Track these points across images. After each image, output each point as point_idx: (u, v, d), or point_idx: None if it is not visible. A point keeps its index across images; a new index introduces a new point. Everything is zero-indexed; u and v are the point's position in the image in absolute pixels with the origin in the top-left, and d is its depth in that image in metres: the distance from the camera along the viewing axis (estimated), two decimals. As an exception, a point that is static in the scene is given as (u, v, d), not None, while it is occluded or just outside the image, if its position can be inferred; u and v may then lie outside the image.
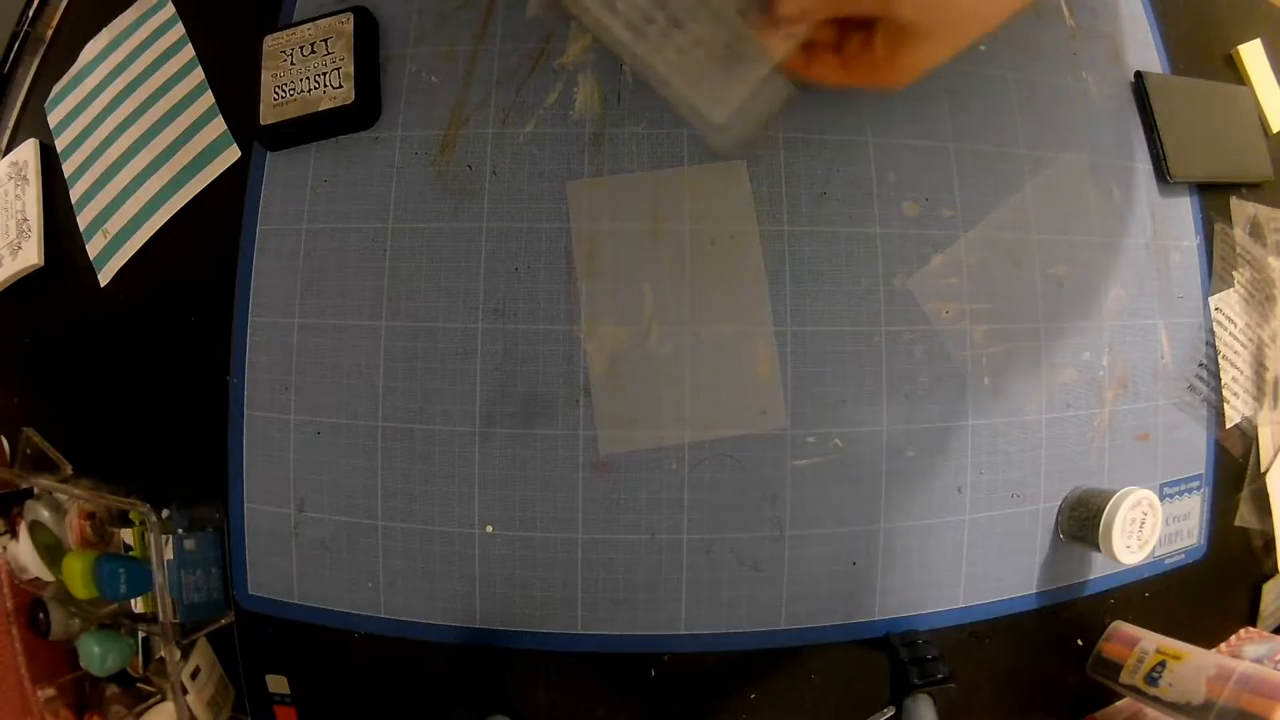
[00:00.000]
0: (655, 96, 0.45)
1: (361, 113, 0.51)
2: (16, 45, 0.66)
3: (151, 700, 0.58)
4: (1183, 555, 0.58)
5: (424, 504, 0.50)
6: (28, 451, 0.59)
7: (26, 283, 0.61)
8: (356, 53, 0.52)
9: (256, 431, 0.52)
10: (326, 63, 0.52)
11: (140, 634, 0.57)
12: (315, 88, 0.52)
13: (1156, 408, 0.56)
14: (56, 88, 0.63)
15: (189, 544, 0.52)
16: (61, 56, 0.64)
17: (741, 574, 0.50)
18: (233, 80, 0.56)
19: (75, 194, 0.60)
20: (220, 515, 0.53)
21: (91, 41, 0.62)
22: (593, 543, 0.49)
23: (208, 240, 0.55)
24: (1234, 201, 0.61)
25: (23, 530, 0.57)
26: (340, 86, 0.51)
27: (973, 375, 0.52)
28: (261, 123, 0.52)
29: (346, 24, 0.52)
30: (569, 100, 0.52)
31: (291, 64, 0.52)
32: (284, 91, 0.52)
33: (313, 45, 0.52)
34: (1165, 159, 0.57)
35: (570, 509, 0.49)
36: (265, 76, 0.53)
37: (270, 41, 0.53)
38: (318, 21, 0.53)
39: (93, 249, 0.58)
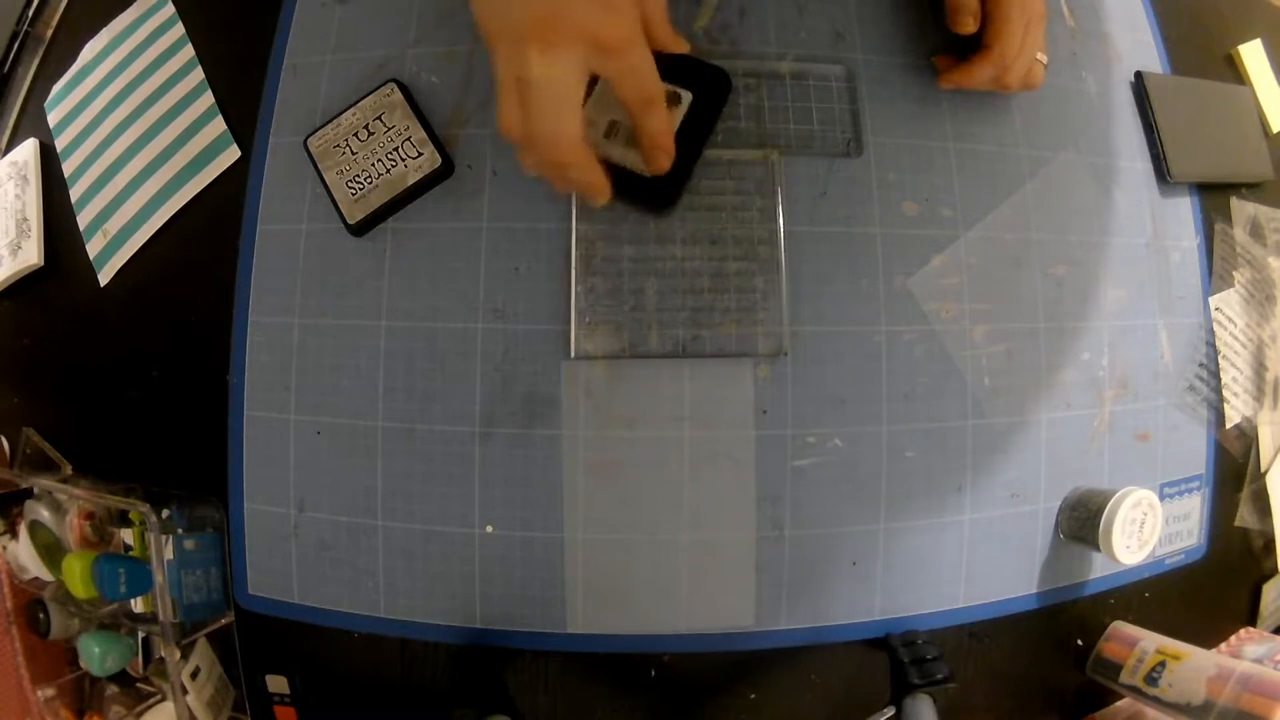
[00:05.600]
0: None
1: (447, 169, 0.51)
2: (16, 45, 0.66)
3: (151, 700, 0.58)
4: (1183, 555, 0.58)
5: (424, 504, 0.50)
6: (28, 451, 0.59)
7: (26, 283, 0.62)
8: (418, 116, 0.51)
9: (256, 431, 0.52)
10: (393, 137, 0.51)
11: (140, 634, 0.57)
12: (395, 165, 0.51)
13: (1156, 408, 0.56)
14: (56, 88, 0.63)
15: (189, 544, 0.52)
16: (61, 56, 0.64)
17: (741, 574, 0.50)
18: (233, 80, 0.56)
19: (75, 194, 0.60)
20: (220, 515, 0.53)
21: (91, 41, 0.62)
22: (593, 543, 0.49)
23: (208, 240, 0.55)
24: (1234, 201, 0.61)
25: (23, 530, 0.57)
26: (421, 154, 0.50)
27: (973, 375, 0.52)
28: (350, 222, 0.51)
29: (393, 94, 0.52)
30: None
31: (353, 154, 0.51)
32: (360, 182, 0.51)
33: (367, 127, 0.51)
34: (1165, 159, 0.57)
35: (570, 509, 0.49)
36: (331, 177, 0.51)
37: (316, 141, 0.52)
38: (358, 104, 0.52)
39: (93, 249, 0.58)
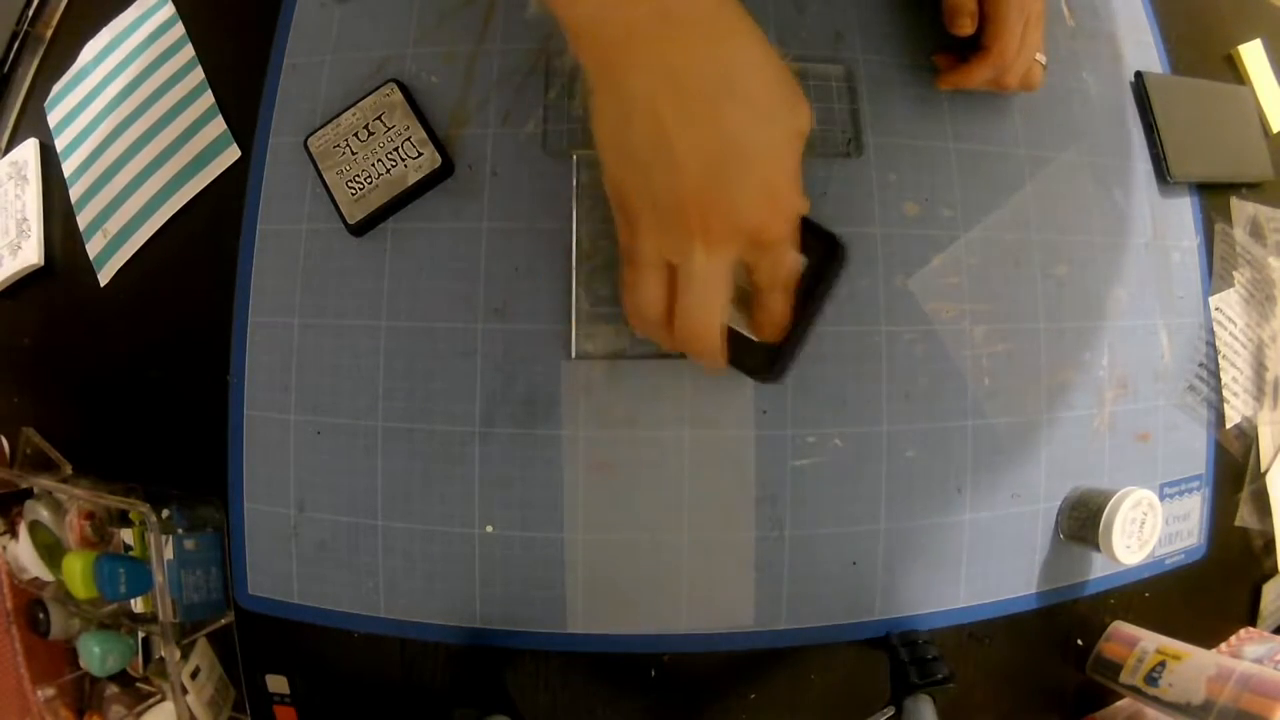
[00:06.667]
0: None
1: (447, 169, 0.51)
2: (16, 45, 0.66)
3: (151, 700, 0.58)
4: (1183, 555, 0.58)
5: (424, 504, 0.50)
6: (28, 451, 0.59)
7: (26, 283, 0.62)
8: (419, 116, 0.51)
9: (256, 431, 0.52)
10: (393, 137, 0.51)
11: (140, 634, 0.57)
12: (395, 165, 0.51)
13: (1156, 408, 0.56)
14: (56, 87, 0.63)
15: (189, 544, 0.52)
16: (61, 56, 0.64)
17: (741, 574, 0.50)
18: (233, 80, 0.56)
19: (75, 194, 0.60)
20: (220, 515, 0.53)
21: (91, 41, 0.62)
22: (593, 543, 0.49)
23: (208, 240, 0.55)
24: (1234, 201, 0.61)
25: (23, 530, 0.57)
26: (420, 154, 0.50)
27: (973, 375, 0.52)
28: (350, 222, 0.51)
29: (393, 94, 0.52)
30: (569, 100, 0.52)
31: (353, 154, 0.51)
32: (360, 183, 0.51)
33: (367, 127, 0.51)
34: (1165, 159, 0.57)
35: (570, 509, 0.49)
36: (331, 177, 0.51)
37: (316, 141, 0.52)
38: (358, 104, 0.52)
39: (92, 249, 0.58)
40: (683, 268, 0.35)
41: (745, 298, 0.43)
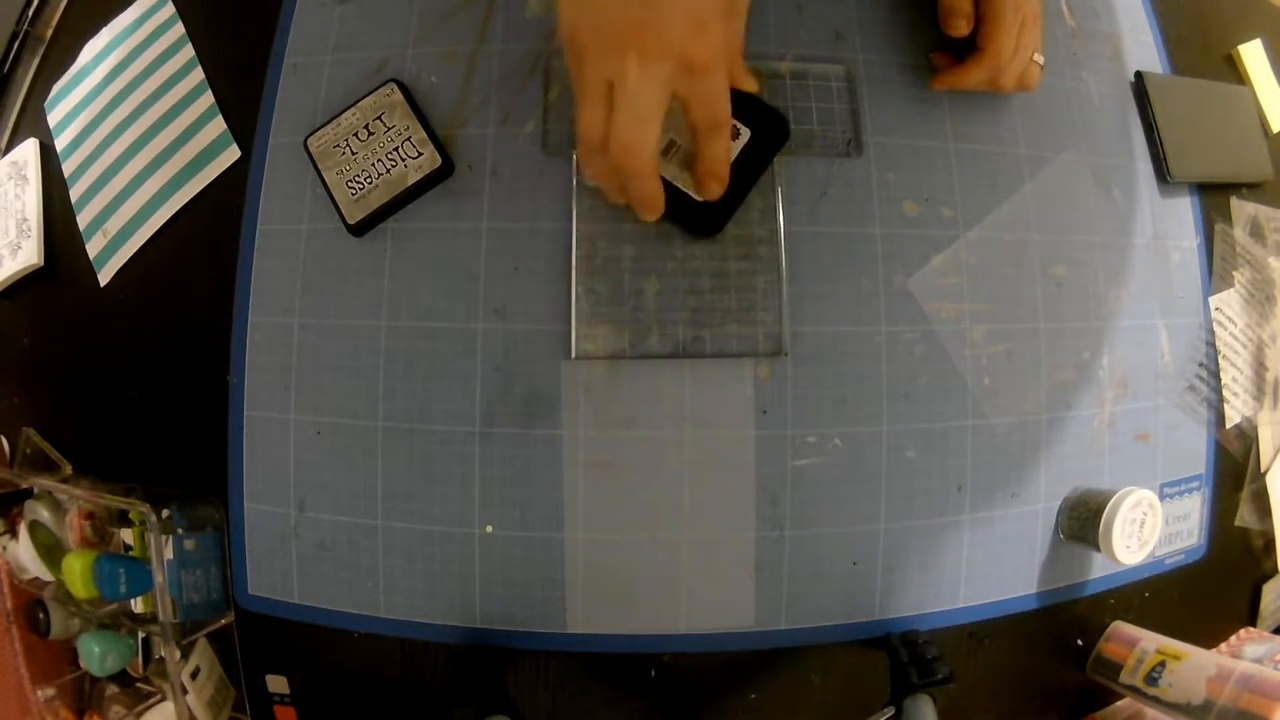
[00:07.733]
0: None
1: (447, 169, 0.51)
2: (16, 45, 0.66)
3: (151, 700, 0.58)
4: (1183, 555, 0.58)
5: (424, 504, 0.50)
6: (28, 451, 0.59)
7: (26, 283, 0.62)
8: (419, 116, 0.51)
9: (256, 431, 0.52)
10: (393, 137, 0.51)
11: (140, 634, 0.57)
12: (395, 165, 0.51)
13: (1156, 408, 0.56)
14: (56, 87, 0.63)
15: (189, 544, 0.52)
16: (61, 56, 0.64)
17: (741, 574, 0.50)
18: (233, 80, 0.56)
19: (75, 194, 0.60)
20: (220, 515, 0.53)
21: (91, 41, 0.62)
22: (592, 543, 0.49)
23: (208, 240, 0.55)
24: (1234, 201, 0.61)
25: (23, 530, 0.57)
26: (420, 154, 0.51)
27: (973, 375, 0.52)
28: (350, 222, 0.51)
29: (393, 94, 0.52)
30: (569, 99, 0.52)
31: (353, 153, 0.51)
32: (360, 182, 0.51)
33: (367, 127, 0.51)
34: (1165, 159, 0.57)
35: (570, 508, 0.49)
36: (331, 177, 0.51)
37: (316, 141, 0.52)
38: (358, 104, 0.52)
39: (92, 249, 0.58)
40: (618, 84, 0.38)
41: (689, 161, 0.47)
